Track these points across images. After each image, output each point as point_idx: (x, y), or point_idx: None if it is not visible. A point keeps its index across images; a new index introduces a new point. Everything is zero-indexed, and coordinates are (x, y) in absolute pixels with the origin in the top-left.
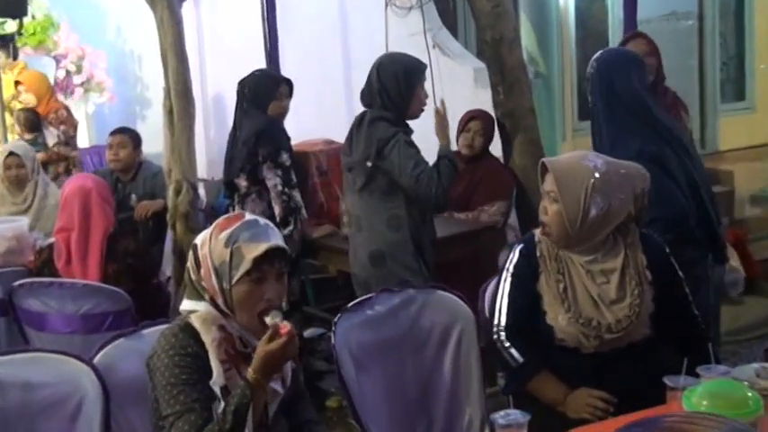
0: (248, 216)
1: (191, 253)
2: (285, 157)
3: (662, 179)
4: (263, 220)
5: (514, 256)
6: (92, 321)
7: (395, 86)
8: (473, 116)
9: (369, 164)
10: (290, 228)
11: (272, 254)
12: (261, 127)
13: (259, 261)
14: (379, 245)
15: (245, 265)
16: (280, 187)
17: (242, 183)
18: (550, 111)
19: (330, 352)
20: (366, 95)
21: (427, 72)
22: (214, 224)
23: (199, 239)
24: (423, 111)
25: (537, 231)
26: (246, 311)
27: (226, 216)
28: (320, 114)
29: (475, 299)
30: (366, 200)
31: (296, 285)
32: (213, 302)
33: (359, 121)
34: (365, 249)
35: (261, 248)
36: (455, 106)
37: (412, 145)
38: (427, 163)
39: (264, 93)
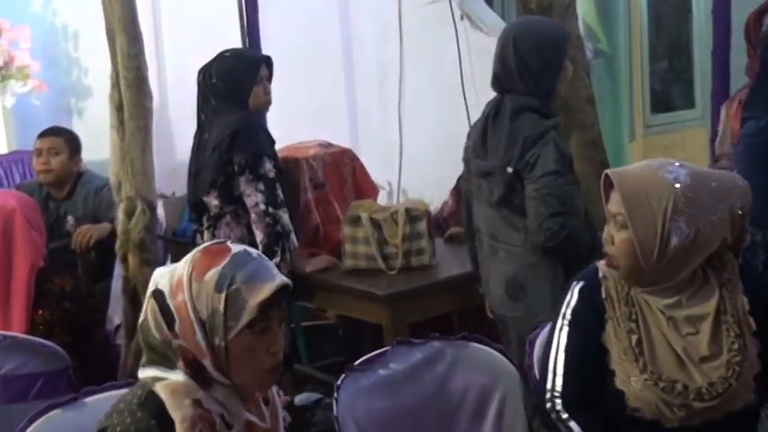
0: (235, 247)
1: (151, 303)
2: (268, 166)
3: None
4: (254, 251)
5: (572, 297)
6: (16, 386)
7: (539, 63)
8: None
9: (509, 170)
10: (277, 259)
11: (279, 295)
12: (236, 126)
13: (266, 306)
14: (518, 272)
15: (249, 314)
16: (262, 206)
17: (212, 201)
18: (615, 101)
19: (330, 424)
20: (501, 78)
21: (453, 49)
22: (187, 262)
23: (163, 284)
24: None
25: (601, 264)
26: (248, 371)
27: (203, 249)
28: (313, 108)
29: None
30: (505, 215)
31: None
32: (191, 367)
33: (495, 110)
34: (500, 278)
35: (267, 290)
36: (488, 93)
37: (563, 154)
38: (573, 194)
39: (240, 80)
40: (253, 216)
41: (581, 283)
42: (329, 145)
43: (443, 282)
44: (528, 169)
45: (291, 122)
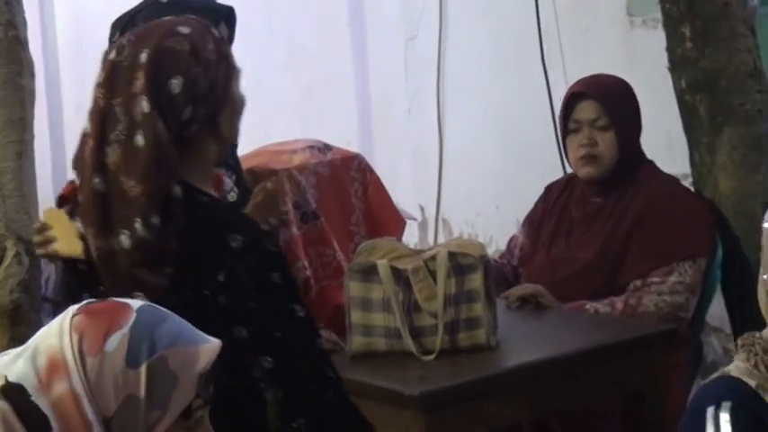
0: (135, 302)
1: (8, 406)
2: (228, 182)
3: None
4: (159, 308)
5: (722, 422)
6: None
7: None
8: (581, 92)
9: None
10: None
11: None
12: None
13: (202, 383)
14: None
15: (185, 395)
16: None
17: None
18: None
19: None
20: None
21: None
22: (62, 331)
23: (18, 373)
24: None
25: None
26: None
27: (84, 310)
28: (300, 86)
29: None
30: None
31: None
32: None
33: None
34: None
35: (206, 356)
36: (584, 63)
37: None
38: None
39: None
40: None
41: (730, 400)
42: (326, 147)
43: (511, 374)
44: None
45: (265, 110)
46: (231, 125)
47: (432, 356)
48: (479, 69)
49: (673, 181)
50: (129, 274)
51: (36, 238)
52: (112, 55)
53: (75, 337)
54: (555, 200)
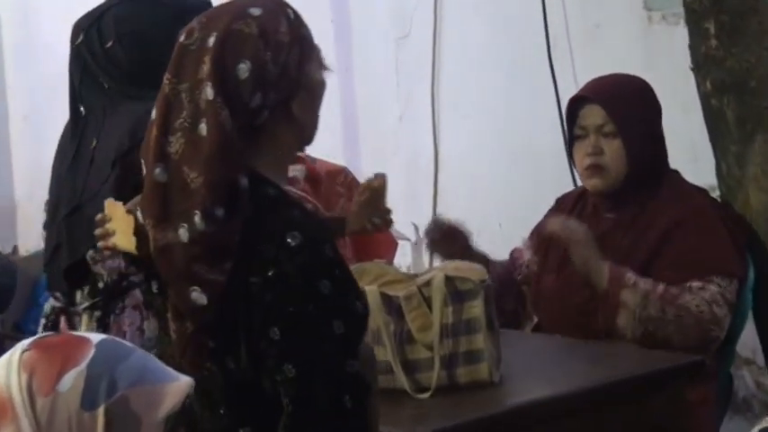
0: (95, 336)
1: None
2: None
3: None
4: (122, 342)
5: None
6: None
7: None
8: (583, 96)
9: None
10: None
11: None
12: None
13: (172, 425)
14: None
15: None
16: None
17: (110, 261)
18: None
19: None
20: None
21: None
22: (12, 368)
23: None
24: None
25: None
26: None
27: (36, 344)
28: None
29: None
30: None
31: None
32: None
33: None
34: None
35: (173, 395)
36: (596, 64)
37: None
38: None
39: (162, 44)
40: None
41: None
42: (309, 160)
43: (517, 414)
44: None
45: None
46: (308, 111)
47: (427, 394)
48: (479, 71)
49: (701, 193)
50: (187, 269)
51: (96, 231)
52: (182, 38)
53: (25, 376)
54: (567, 215)
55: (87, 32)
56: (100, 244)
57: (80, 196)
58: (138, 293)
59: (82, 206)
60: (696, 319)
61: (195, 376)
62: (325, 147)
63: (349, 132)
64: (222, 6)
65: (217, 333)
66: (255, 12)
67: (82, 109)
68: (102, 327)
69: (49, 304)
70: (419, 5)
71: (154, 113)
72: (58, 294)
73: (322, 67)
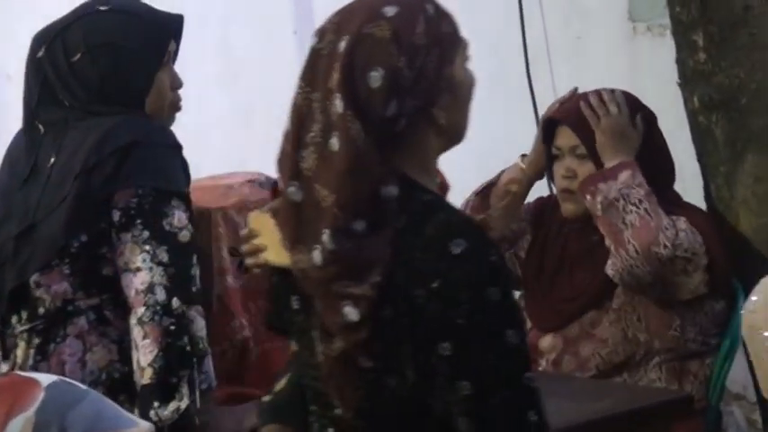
0: (43, 377)
1: None
2: (181, 218)
3: None
4: (76, 384)
5: None
6: None
7: None
8: (551, 118)
9: None
10: (177, 402)
11: None
12: (131, 135)
13: None
14: None
15: None
16: (161, 294)
17: (53, 286)
18: None
19: None
20: None
21: None
22: None
23: None
24: None
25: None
26: None
27: None
28: (240, 106)
29: None
30: None
31: None
32: None
33: None
34: None
35: None
36: (577, 78)
37: None
38: None
39: (135, 60)
40: (139, 311)
41: None
42: (268, 182)
43: None
44: None
45: (194, 135)
46: (454, 112)
47: None
48: None
49: (694, 210)
50: (327, 289)
51: (245, 247)
52: (314, 41)
53: None
54: (551, 227)
55: (50, 45)
56: (249, 261)
57: (33, 215)
58: (82, 321)
59: (35, 225)
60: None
61: (344, 399)
62: None
63: None
64: (356, 4)
65: (374, 351)
66: (390, 12)
67: (40, 126)
68: (41, 355)
69: None
70: None
71: (287, 126)
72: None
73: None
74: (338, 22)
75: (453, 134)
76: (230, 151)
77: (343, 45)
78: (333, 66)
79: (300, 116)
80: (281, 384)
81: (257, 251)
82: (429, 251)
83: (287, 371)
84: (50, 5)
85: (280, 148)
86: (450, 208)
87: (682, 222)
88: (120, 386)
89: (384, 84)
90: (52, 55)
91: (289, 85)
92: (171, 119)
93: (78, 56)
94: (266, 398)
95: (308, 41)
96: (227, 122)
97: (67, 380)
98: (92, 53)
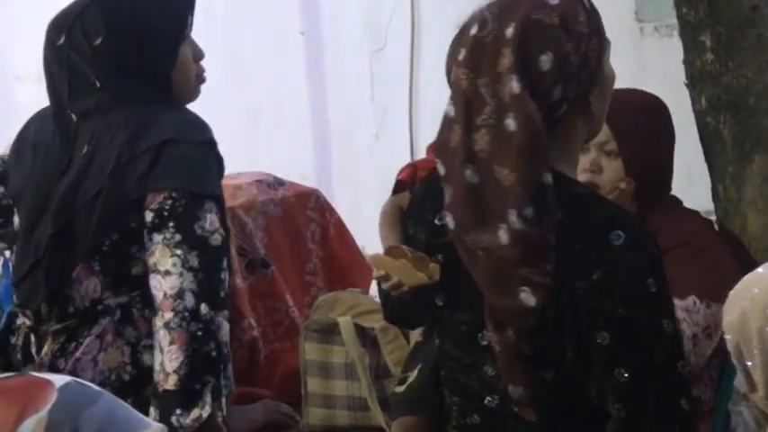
0: (59, 379)
1: None
2: (213, 220)
3: None
4: (89, 386)
5: None
6: None
7: None
8: None
9: None
10: (202, 411)
11: None
12: (169, 130)
13: None
14: None
15: None
16: (190, 300)
17: (87, 282)
18: None
19: None
20: None
21: None
22: None
23: None
24: None
25: None
26: None
27: None
28: (246, 107)
29: None
30: None
31: None
32: None
33: None
34: None
35: None
36: None
37: None
38: None
39: (160, 37)
40: (166, 316)
41: None
42: (277, 182)
43: None
44: None
45: None
46: (601, 105)
47: None
48: None
49: (692, 216)
50: (512, 271)
51: (384, 285)
52: (474, 30)
53: None
54: None
55: (70, 32)
56: (394, 293)
57: (68, 211)
58: (107, 321)
59: (71, 222)
60: None
61: (517, 390)
62: (294, 167)
63: (321, 151)
64: None
65: (536, 340)
66: (554, 1)
67: (73, 116)
68: (61, 352)
69: (19, 321)
70: (395, 17)
71: (452, 111)
72: (28, 312)
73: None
74: (499, 12)
75: (597, 125)
76: (238, 151)
77: (510, 31)
78: (500, 51)
79: (468, 101)
80: (412, 376)
81: (398, 287)
82: (590, 243)
83: (412, 364)
84: (57, 7)
85: (440, 136)
86: (605, 200)
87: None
88: (128, 389)
89: (553, 68)
90: (74, 41)
91: (296, 84)
92: (198, 91)
93: (100, 39)
94: (399, 389)
95: (316, 42)
96: (235, 122)
97: (81, 381)
98: (113, 34)
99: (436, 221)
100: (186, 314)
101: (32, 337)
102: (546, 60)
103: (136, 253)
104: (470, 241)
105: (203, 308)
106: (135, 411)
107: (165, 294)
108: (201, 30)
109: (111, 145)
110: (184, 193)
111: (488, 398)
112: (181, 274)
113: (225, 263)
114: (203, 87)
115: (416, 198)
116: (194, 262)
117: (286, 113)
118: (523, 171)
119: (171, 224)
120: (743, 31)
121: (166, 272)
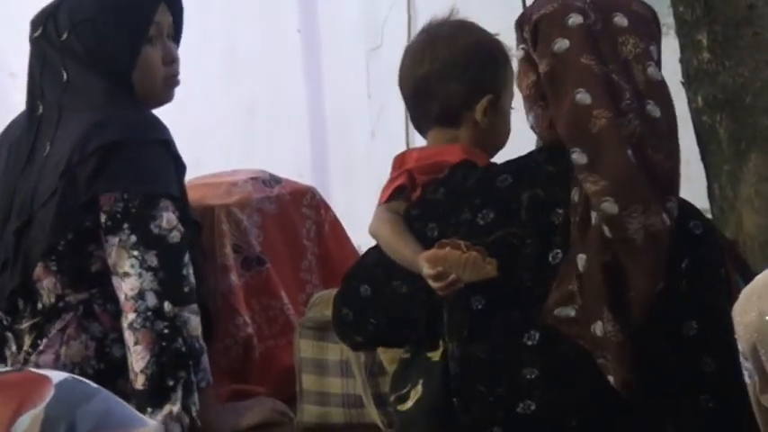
0: (54, 373)
1: None
2: (170, 218)
3: None
4: (86, 382)
5: None
6: None
7: None
8: None
9: None
10: (173, 407)
11: None
12: (113, 132)
13: None
14: None
15: None
16: (151, 299)
17: (44, 281)
18: None
19: None
20: None
21: None
22: None
23: None
24: None
25: None
26: None
27: None
28: (238, 102)
29: None
30: None
31: None
32: None
33: None
34: None
35: None
36: None
37: None
38: None
39: (113, 30)
40: (129, 317)
41: None
42: (272, 179)
43: None
44: None
45: (197, 133)
46: None
47: None
48: None
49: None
50: (663, 255)
51: (437, 285)
52: (580, 19)
53: None
54: None
55: (45, 26)
56: (442, 293)
57: (29, 208)
58: (70, 316)
59: (32, 220)
60: None
61: (625, 374)
62: (290, 164)
63: (317, 149)
64: None
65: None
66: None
67: (40, 107)
68: (33, 348)
69: None
70: (391, 15)
71: (588, 98)
72: (0, 313)
73: None
74: (594, 1)
75: None
76: (234, 148)
77: (618, 20)
78: (618, 39)
79: (606, 86)
80: (417, 392)
81: (454, 284)
82: (676, 232)
83: (405, 381)
84: None
85: (574, 124)
86: None
87: None
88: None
89: (659, 56)
90: (47, 34)
91: (292, 82)
92: (168, 94)
93: (66, 34)
94: (403, 406)
95: (313, 40)
96: (231, 120)
97: (78, 377)
98: (76, 30)
99: (479, 220)
100: (149, 314)
101: (10, 335)
102: (655, 50)
103: (94, 251)
104: (636, 225)
105: (167, 305)
106: (132, 409)
107: (126, 296)
108: (198, 27)
109: (65, 145)
110: (137, 194)
111: (522, 404)
112: (140, 275)
113: (187, 258)
114: (200, 84)
115: (439, 199)
116: (153, 261)
117: (282, 111)
118: (676, 160)
119: (125, 226)
120: (739, 29)
121: (125, 273)
